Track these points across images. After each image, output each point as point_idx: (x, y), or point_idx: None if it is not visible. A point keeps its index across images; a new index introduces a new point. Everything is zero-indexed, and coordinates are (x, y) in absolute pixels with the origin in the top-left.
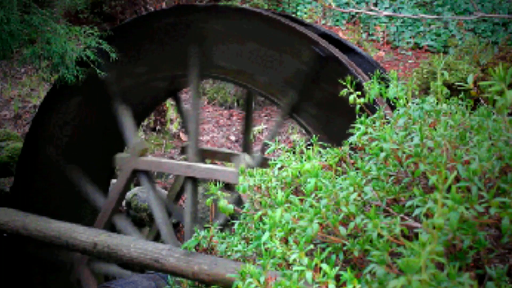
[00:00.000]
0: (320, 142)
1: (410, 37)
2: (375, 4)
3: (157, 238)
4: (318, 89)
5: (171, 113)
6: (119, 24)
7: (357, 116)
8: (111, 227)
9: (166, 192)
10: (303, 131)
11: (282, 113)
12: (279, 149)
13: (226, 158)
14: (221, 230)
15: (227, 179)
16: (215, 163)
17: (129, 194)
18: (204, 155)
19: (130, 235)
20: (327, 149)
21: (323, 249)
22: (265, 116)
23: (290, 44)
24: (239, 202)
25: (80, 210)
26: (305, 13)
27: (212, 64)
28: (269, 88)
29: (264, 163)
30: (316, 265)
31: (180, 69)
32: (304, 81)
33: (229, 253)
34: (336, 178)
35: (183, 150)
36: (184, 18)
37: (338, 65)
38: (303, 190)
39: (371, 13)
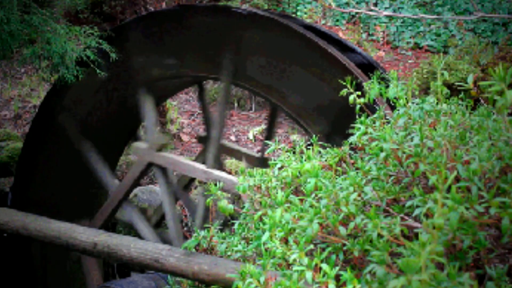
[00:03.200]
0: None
1: (410, 37)
2: (375, 4)
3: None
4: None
5: (171, 113)
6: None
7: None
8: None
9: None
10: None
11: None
12: (279, 149)
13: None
14: (221, 230)
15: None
16: None
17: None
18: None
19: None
20: (327, 149)
21: (323, 249)
22: (265, 117)
23: (329, 71)
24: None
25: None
26: (305, 13)
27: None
28: (300, 111)
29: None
30: (316, 265)
31: (211, 71)
32: (337, 112)
33: (229, 253)
34: (336, 178)
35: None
36: (221, 20)
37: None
38: (303, 190)
39: (371, 13)
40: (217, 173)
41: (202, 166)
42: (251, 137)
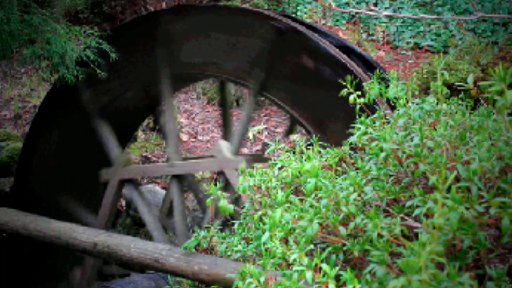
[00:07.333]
0: (294, 115)
1: (410, 37)
2: (375, 4)
3: None
4: (283, 63)
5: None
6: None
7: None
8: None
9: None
10: (303, 131)
11: (253, 93)
12: (279, 148)
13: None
14: (221, 230)
15: (209, 168)
16: None
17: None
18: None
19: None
20: (327, 149)
21: (323, 249)
22: (265, 116)
23: (249, 25)
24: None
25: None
26: (305, 13)
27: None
28: (236, 72)
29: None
30: (316, 265)
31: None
32: (267, 58)
33: (229, 253)
34: (336, 178)
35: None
36: (149, 23)
37: (298, 35)
38: (303, 190)
39: (371, 13)
40: (180, 162)
41: (165, 164)
42: (250, 136)
